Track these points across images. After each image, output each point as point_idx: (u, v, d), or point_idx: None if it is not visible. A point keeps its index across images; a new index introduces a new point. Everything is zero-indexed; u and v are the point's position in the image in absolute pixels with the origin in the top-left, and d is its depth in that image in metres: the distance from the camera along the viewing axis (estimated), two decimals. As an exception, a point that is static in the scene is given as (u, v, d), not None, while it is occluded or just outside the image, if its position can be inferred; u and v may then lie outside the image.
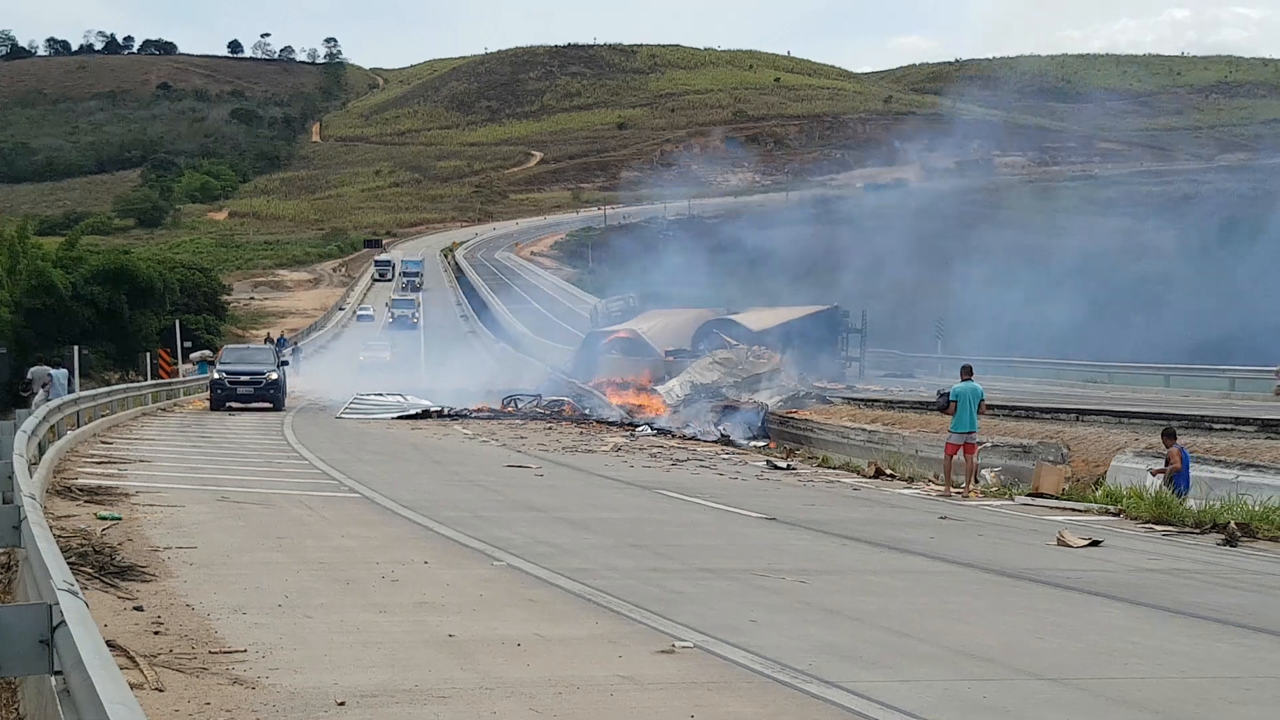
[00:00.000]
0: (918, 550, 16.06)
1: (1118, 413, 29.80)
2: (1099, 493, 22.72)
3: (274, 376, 45.44)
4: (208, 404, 46.59)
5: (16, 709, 7.67)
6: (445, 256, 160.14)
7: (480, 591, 12.10)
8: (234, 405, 45.19)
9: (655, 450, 32.39)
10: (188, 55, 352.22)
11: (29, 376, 36.87)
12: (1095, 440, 27.27)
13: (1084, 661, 9.97)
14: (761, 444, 35.44)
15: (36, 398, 35.06)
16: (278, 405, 45.08)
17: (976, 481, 25.23)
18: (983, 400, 24.43)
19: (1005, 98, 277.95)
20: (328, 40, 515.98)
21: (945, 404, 24.48)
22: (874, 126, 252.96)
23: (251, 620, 10.38)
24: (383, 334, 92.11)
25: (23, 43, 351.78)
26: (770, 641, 10.15)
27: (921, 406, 36.03)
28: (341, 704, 7.90)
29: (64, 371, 37.21)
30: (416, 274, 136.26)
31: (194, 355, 71.55)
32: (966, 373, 24.83)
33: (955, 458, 24.31)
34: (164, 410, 43.70)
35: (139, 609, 10.67)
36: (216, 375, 46.02)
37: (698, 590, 12.53)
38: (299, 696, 8.06)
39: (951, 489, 23.98)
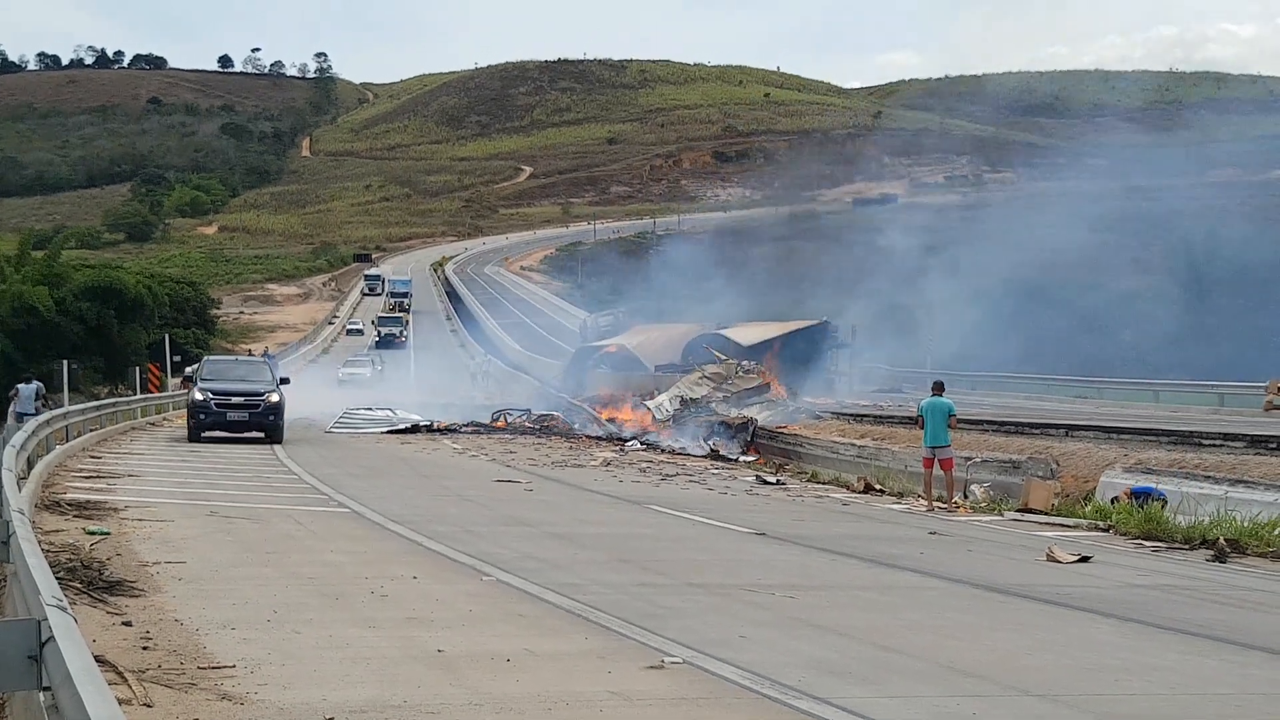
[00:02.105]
0: (907, 566, 16.06)
1: (1107, 428, 29.82)
2: (1088, 508, 22.72)
3: (274, 399, 35.55)
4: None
5: (4, 725, 7.65)
6: (435, 271, 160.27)
7: (469, 607, 12.09)
8: (219, 435, 35.71)
9: (644, 465, 32.38)
10: (178, 70, 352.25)
11: (11, 393, 37.48)
12: (1084, 456, 27.30)
13: (1073, 678, 9.97)
14: (750, 459, 35.44)
15: (11, 410, 35.47)
16: (275, 436, 35.47)
17: (965, 496, 25.26)
18: (952, 415, 24.45)
19: (994, 113, 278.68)
20: (318, 55, 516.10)
21: (917, 419, 24.70)
22: (863, 142, 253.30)
23: (240, 635, 10.36)
24: (368, 351, 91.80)
25: (13, 57, 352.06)
26: (760, 657, 10.14)
27: (910, 421, 36.01)
28: (330, 719, 7.90)
29: (33, 386, 37.37)
30: (405, 294, 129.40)
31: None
32: (937, 388, 24.95)
33: (935, 472, 24.40)
34: (153, 425, 43.57)
35: (127, 624, 10.64)
36: (199, 395, 35.37)
37: (687, 605, 12.52)
38: (288, 712, 8.05)
39: (933, 503, 24.04)
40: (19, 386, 37.18)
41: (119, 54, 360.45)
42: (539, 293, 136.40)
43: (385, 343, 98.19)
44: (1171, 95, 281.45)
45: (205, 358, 42.86)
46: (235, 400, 35.39)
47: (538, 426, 44.54)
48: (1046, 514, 22.80)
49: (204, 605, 11.59)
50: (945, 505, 23.92)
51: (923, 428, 24.47)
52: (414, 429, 42.67)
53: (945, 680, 9.69)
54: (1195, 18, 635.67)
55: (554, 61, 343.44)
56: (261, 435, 35.72)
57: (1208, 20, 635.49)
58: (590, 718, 8.25)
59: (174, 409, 49.39)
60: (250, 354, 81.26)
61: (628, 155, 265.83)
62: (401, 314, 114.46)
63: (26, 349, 52.00)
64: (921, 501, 24.75)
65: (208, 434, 35.53)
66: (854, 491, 27.19)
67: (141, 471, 25.62)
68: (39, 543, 10.49)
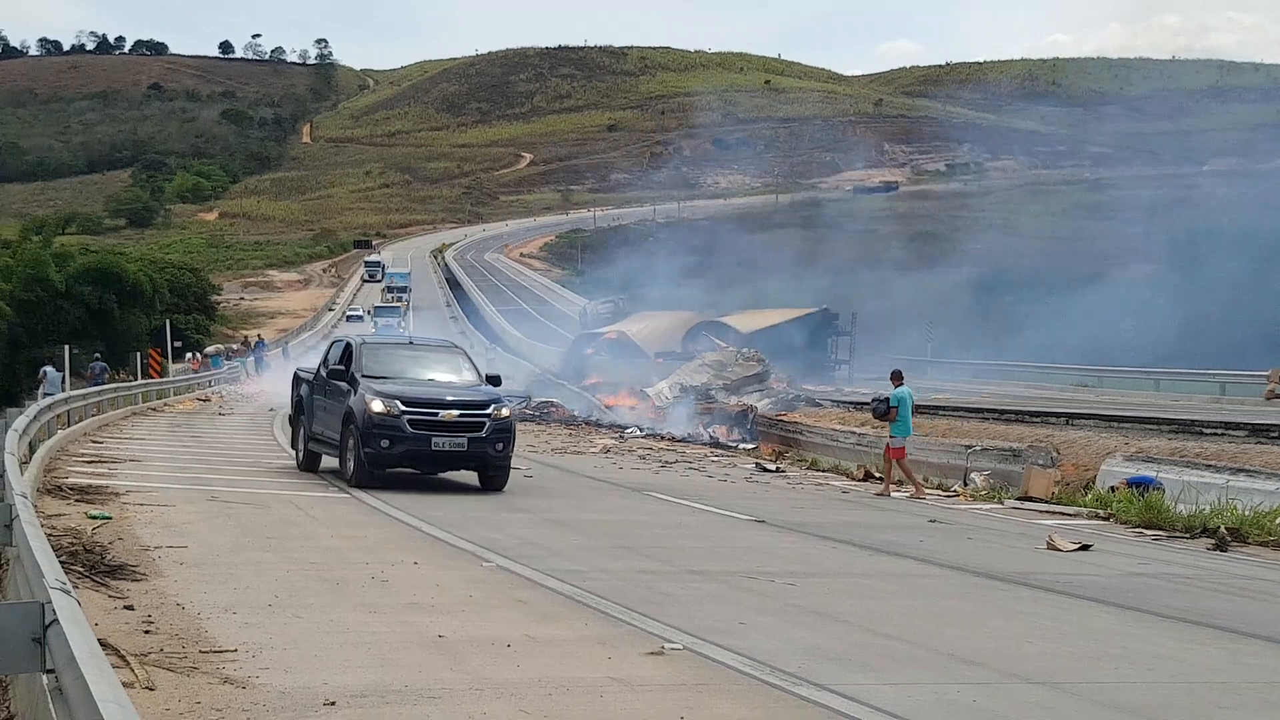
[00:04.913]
0: (907, 553, 16.08)
1: (1108, 417, 29.86)
2: (1089, 497, 22.76)
3: (504, 414, 21.75)
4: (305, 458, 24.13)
5: (8, 707, 7.66)
6: (435, 258, 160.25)
7: (470, 592, 12.10)
8: (405, 471, 21.87)
9: (644, 452, 32.38)
10: (179, 56, 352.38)
11: (39, 375, 38.51)
12: (1085, 444, 27.31)
13: (1073, 665, 9.99)
14: (750, 446, 35.45)
15: (39, 393, 36.09)
16: (499, 478, 21.93)
17: (966, 484, 25.32)
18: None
19: (996, 101, 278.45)
20: (318, 41, 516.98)
21: (886, 409, 24.47)
22: (864, 129, 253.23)
23: (242, 620, 10.36)
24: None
25: (14, 43, 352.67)
26: (759, 644, 10.15)
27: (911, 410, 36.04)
28: (331, 704, 7.90)
29: (60, 373, 37.95)
30: (404, 288, 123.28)
31: (208, 349, 71.35)
32: (899, 377, 24.93)
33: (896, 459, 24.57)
34: (154, 410, 43.55)
35: (129, 608, 10.65)
36: (378, 405, 20.90)
37: (687, 592, 12.53)
38: (289, 696, 8.06)
39: (889, 487, 24.24)
40: (46, 370, 37.81)
41: (120, 40, 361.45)
42: (539, 280, 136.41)
43: (383, 333, 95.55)
44: (1174, 83, 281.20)
45: (357, 340, 23.77)
46: (445, 416, 21.17)
47: (537, 413, 44.53)
48: (1047, 502, 22.83)
49: (205, 589, 11.60)
50: (905, 490, 24.23)
51: (894, 419, 24.29)
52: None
53: (945, 667, 9.70)
54: (1198, 5, 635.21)
55: (554, 48, 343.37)
56: (477, 480, 22.17)
57: (1211, 8, 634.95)
58: (590, 703, 8.26)
59: (175, 394, 49.40)
60: (247, 341, 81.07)
61: (628, 142, 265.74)
62: (399, 304, 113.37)
63: (31, 330, 52.15)
64: (923, 489, 24.85)
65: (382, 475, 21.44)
66: (853, 479, 27.21)
67: (143, 456, 25.61)
68: (41, 526, 10.49)
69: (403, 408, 20.92)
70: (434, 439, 20.93)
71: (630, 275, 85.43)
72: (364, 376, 21.87)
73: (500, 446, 21.44)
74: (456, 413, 21.18)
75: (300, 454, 24.39)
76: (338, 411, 22.11)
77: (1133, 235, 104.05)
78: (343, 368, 22.60)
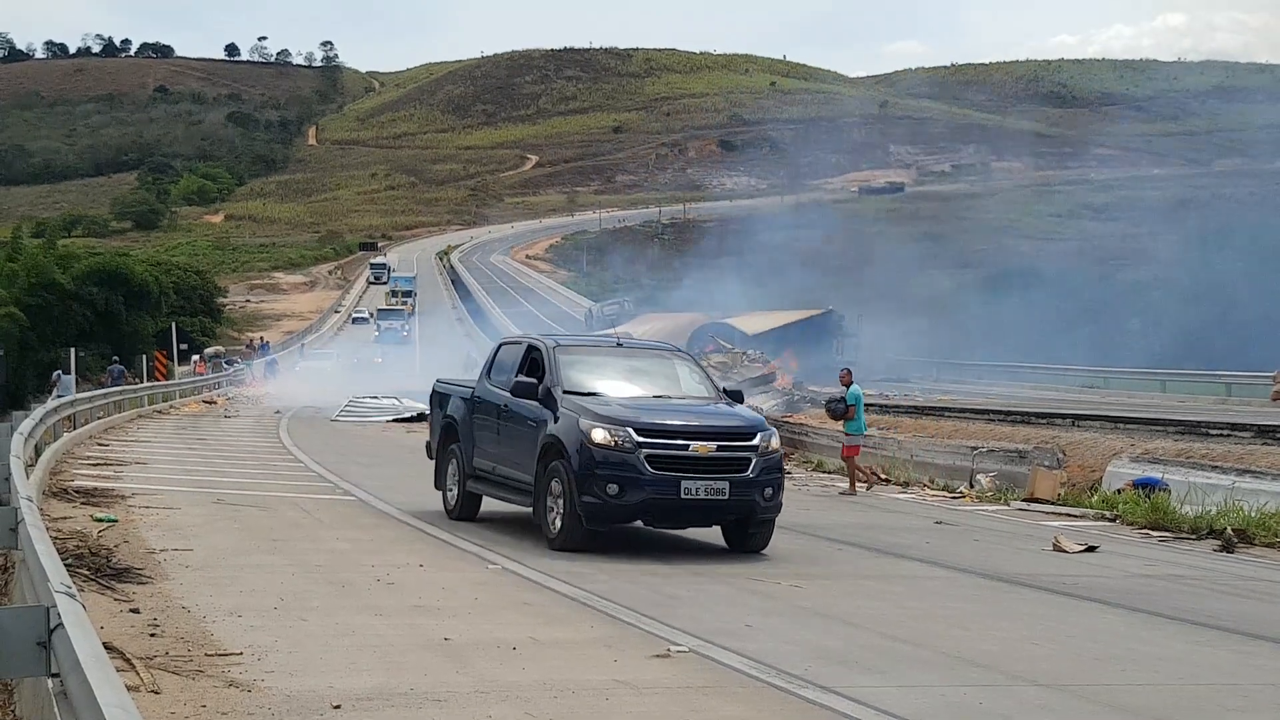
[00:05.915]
0: (913, 555, 16.07)
1: (1114, 418, 29.86)
2: (1095, 498, 22.73)
3: (774, 446, 15.48)
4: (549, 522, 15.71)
5: (13, 711, 7.66)
6: (440, 260, 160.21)
7: (475, 595, 12.09)
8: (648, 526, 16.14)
9: (651, 454, 32.30)
10: (185, 58, 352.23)
11: (53, 379, 39.09)
12: (1091, 445, 27.31)
13: (1080, 667, 9.98)
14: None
15: (53, 396, 36.41)
16: (762, 535, 15.72)
17: (972, 485, 25.33)
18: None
19: (1001, 102, 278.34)
20: (324, 44, 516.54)
21: (845, 408, 24.67)
22: (869, 130, 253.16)
23: (247, 623, 10.36)
24: (330, 343, 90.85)
25: (20, 45, 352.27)
26: (766, 646, 10.14)
27: (917, 411, 36.12)
28: (337, 707, 7.89)
29: (72, 376, 38.40)
30: (409, 291, 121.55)
31: (207, 351, 71.39)
32: (850, 376, 25.17)
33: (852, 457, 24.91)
34: (160, 413, 43.57)
35: (135, 611, 10.65)
36: (601, 433, 14.73)
37: (693, 594, 12.52)
38: (295, 699, 8.05)
39: (858, 485, 24.62)
40: (59, 374, 38.28)
41: (126, 42, 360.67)
42: (545, 281, 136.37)
43: (387, 336, 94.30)
44: (1180, 84, 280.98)
45: (549, 343, 17.08)
46: (699, 450, 14.92)
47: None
48: (1053, 504, 22.81)
49: (211, 592, 11.60)
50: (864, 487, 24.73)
51: (852, 417, 24.53)
52: (419, 417, 42.55)
53: (952, 669, 9.69)
54: (1204, 6, 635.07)
55: (560, 50, 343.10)
56: (734, 537, 15.91)
57: (1216, 9, 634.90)
58: (597, 706, 8.25)
59: (180, 397, 49.37)
60: (250, 344, 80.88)
61: (633, 144, 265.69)
62: (403, 306, 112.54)
63: (40, 333, 52.28)
64: (929, 490, 24.90)
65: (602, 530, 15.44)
66: (860, 480, 27.16)
67: (148, 459, 25.63)
68: (47, 530, 10.49)
69: (638, 438, 14.82)
70: (684, 483, 14.75)
71: (635, 277, 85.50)
72: (566, 392, 15.77)
73: (770, 493, 15.31)
74: (714, 445, 15.00)
75: (454, 498, 18.09)
76: (527, 441, 16.06)
77: (1139, 236, 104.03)
78: (532, 380, 16.29)
